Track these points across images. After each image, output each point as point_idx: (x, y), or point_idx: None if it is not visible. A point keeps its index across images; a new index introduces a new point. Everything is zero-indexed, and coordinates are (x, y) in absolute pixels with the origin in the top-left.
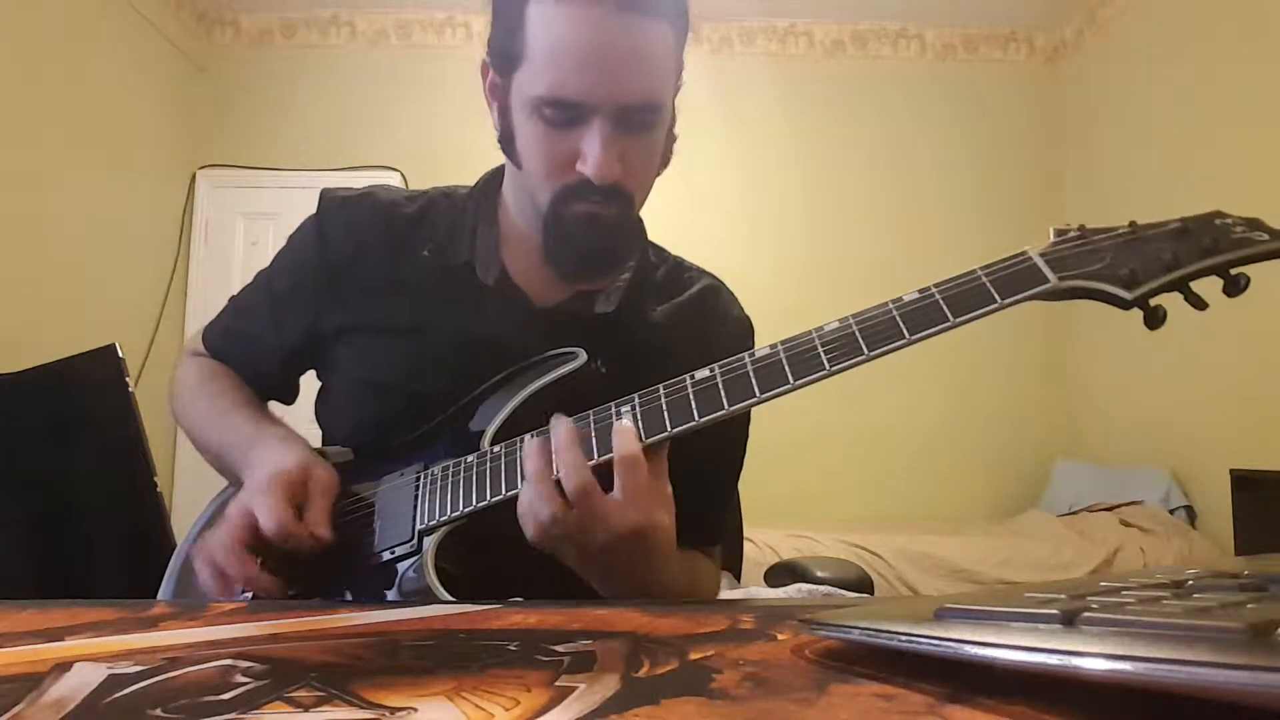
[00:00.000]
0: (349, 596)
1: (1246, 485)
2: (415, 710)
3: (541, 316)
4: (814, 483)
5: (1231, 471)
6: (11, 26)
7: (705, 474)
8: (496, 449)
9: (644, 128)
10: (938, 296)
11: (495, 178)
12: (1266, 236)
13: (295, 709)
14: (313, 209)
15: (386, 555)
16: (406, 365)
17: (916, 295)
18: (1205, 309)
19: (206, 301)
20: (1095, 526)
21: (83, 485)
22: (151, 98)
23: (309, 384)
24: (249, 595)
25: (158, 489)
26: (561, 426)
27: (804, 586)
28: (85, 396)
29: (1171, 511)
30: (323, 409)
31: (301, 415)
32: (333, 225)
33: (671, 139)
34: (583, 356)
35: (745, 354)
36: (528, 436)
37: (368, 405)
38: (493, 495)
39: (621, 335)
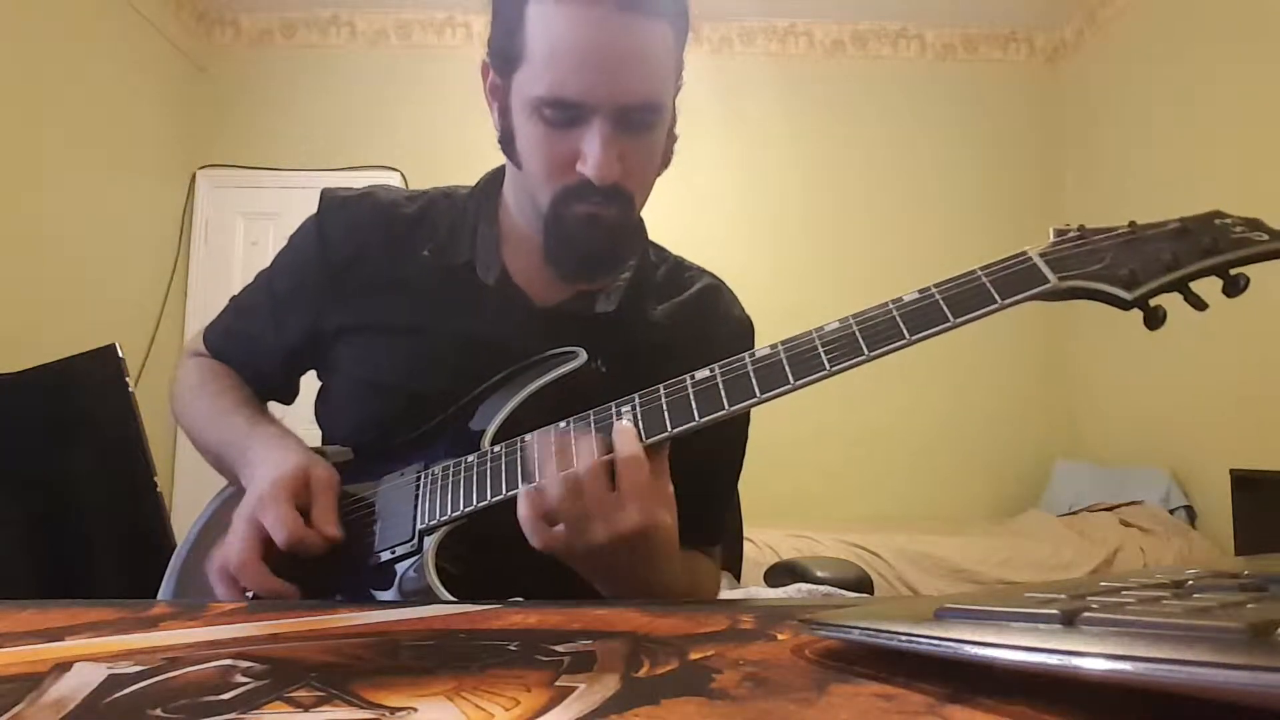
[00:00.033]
0: (350, 596)
1: (1246, 485)
2: (415, 710)
3: (542, 316)
4: (814, 483)
5: (1231, 471)
6: (11, 26)
7: (705, 474)
8: (497, 449)
9: (644, 128)
10: (938, 297)
11: (496, 178)
12: (1266, 236)
13: (295, 709)
14: (313, 209)
15: (387, 555)
16: (407, 365)
17: (916, 295)
18: (1205, 309)
19: (206, 301)
20: (1095, 526)
21: (83, 485)
22: (151, 98)
23: (309, 384)
24: (250, 595)
25: (158, 489)
26: (583, 447)
27: (804, 586)
28: (85, 396)
29: (1171, 511)
30: (323, 409)
31: (302, 415)
32: (333, 225)
33: (672, 139)
34: (583, 356)
35: (745, 354)
36: (540, 433)
37: (368, 405)
38: (493, 495)
39: (622, 335)
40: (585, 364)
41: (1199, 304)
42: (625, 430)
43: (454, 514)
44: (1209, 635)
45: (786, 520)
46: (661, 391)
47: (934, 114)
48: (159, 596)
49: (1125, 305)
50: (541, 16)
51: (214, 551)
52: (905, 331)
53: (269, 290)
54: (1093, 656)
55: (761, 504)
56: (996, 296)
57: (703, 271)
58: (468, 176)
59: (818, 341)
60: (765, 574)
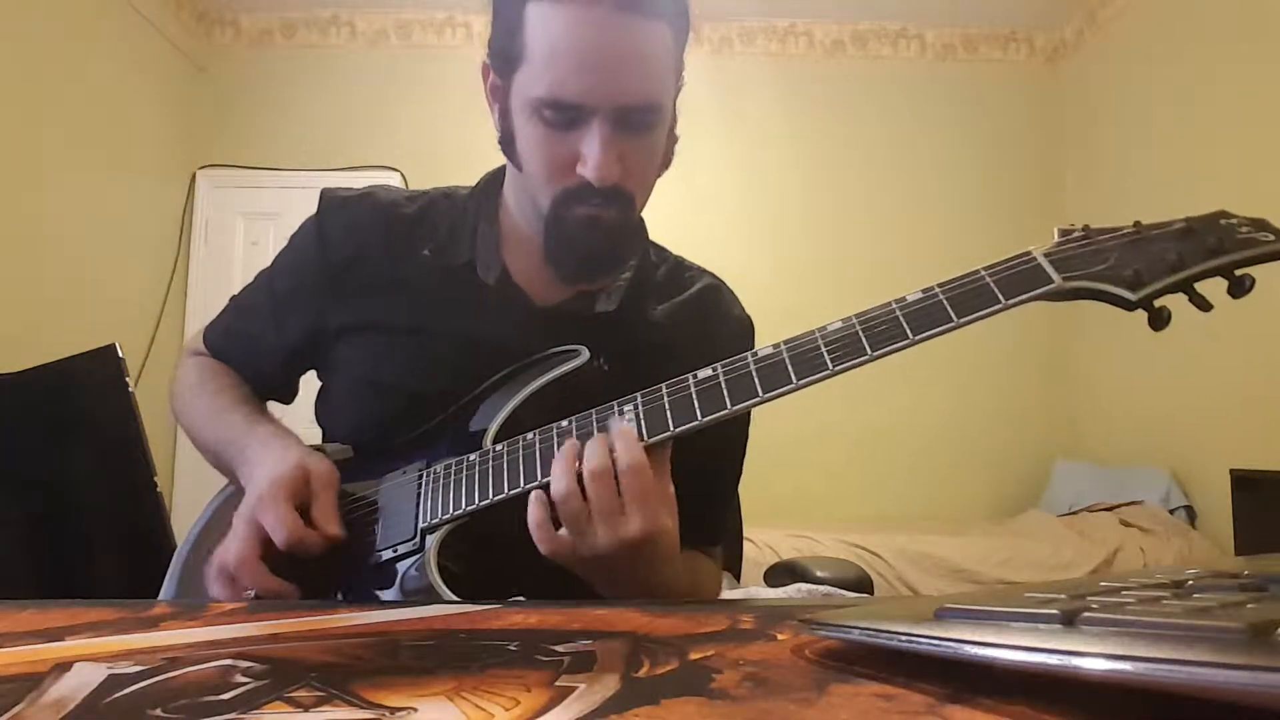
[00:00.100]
0: (350, 595)
1: (1246, 485)
2: (415, 710)
3: (542, 316)
4: (814, 483)
5: (1231, 471)
6: (11, 26)
7: (706, 474)
8: (499, 447)
9: (644, 129)
10: (941, 297)
11: (496, 178)
12: (1272, 237)
13: (295, 709)
14: (313, 209)
15: (389, 554)
16: (407, 365)
17: (920, 295)
18: (1210, 310)
19: (206, 301)
20: (1095, 526)
21: (83, 485)
22: (151, 98)
23: (309, 384)
24: (251, 594)
25: (158, 489)
26: (593, 453)
27: (804, 586)
28: (85, 396)
29: (1171, 511)
30: (323, 409)
31: (302, 415)
32: (333, 225)
33: (673, 139)
34: (584, 354)
35: (748, 354)
36: (544, 438)
37: (368, 405)
38: (495, 494)
39: (622, 334)
40: (587, 362)
41: (1204, 305)
42: (628, 436)
43: (456, 512)
44: (1209, 635)
45: (787, 520)
46: (664, 391)
47: (934, 114)
48: (160, 597)
49: (1130, 306)
50: (541, 17)
51: (214, 552)
52: (909, 331)
53: (269, 290)
54: (1093, 656)
55: (762, 504)
56: (1000, 297)
57: (703, 271)
58: (468, 176)
59: (820, 341)
60: (765, 574)
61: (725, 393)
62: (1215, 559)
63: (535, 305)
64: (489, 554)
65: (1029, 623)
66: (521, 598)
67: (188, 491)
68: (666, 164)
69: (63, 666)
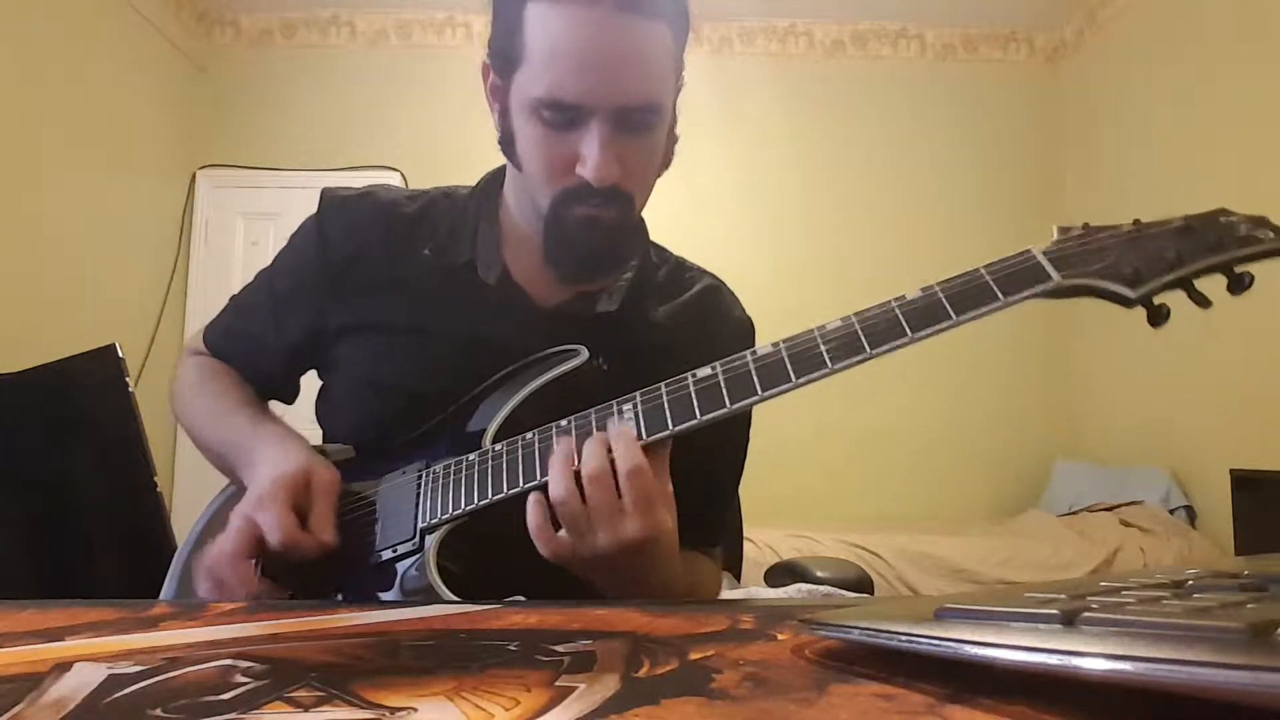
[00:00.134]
0: (350, 596)
1: (1246, 485)
2: (415, 710)
3: (543, 316)
4: (815, 483)
5: (1231, 471)
6: (11, 26)
7: (706, 473)
8: (498, 447)
9: (643, 129)
10: (940, 295)
11: (496, 178)
12: (1272, 235)
13: (295, 709)
14: (313, 209)
15: (388, 554)
16: (407, 365)
17: (919, 294)
18: (1209, 307)
19: (206, 301)
20: (1095, 526)
21: (83, 485)
22: (151, 98)
23: (310, 383)
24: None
25: (158, 489)
26: (591, 451)
27: (804, 586)
28: (85, 396)
29: (1171, 511)
30: (323, 408)
31: (302, 415)
32: (333, 225)
33: (673, 140)
34: (584, 354)
35: (747, 352)
36: (557, 430)
37: (369, 405)
38: (495, 493)
39: (623, 335)
40: (586, 362)
41: (1203, 302)
42: (627, 437)
43: (455, 512)
44: (1209, 635)
45: (787, 520)
46: (663, 390)
47: (934, 114)
48: (160, 597)
49: (1129, 303)
50: (540, 17)
51: (207, 545)
52: (908, 329)
53: (269, 289)
54: (1093, 656)
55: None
56: (999, 294)
57: (703, 272)
58: (468, 176)
59: (819, 340)
60: (765, 574)
61: (724, 392)
62: (1215, 559)
63: (536, 305)
64: (489, 554)
65: (1029, 623)
66: (521, 598)
67: (188, 491)
68: (666, 164)
69: (63, 666)
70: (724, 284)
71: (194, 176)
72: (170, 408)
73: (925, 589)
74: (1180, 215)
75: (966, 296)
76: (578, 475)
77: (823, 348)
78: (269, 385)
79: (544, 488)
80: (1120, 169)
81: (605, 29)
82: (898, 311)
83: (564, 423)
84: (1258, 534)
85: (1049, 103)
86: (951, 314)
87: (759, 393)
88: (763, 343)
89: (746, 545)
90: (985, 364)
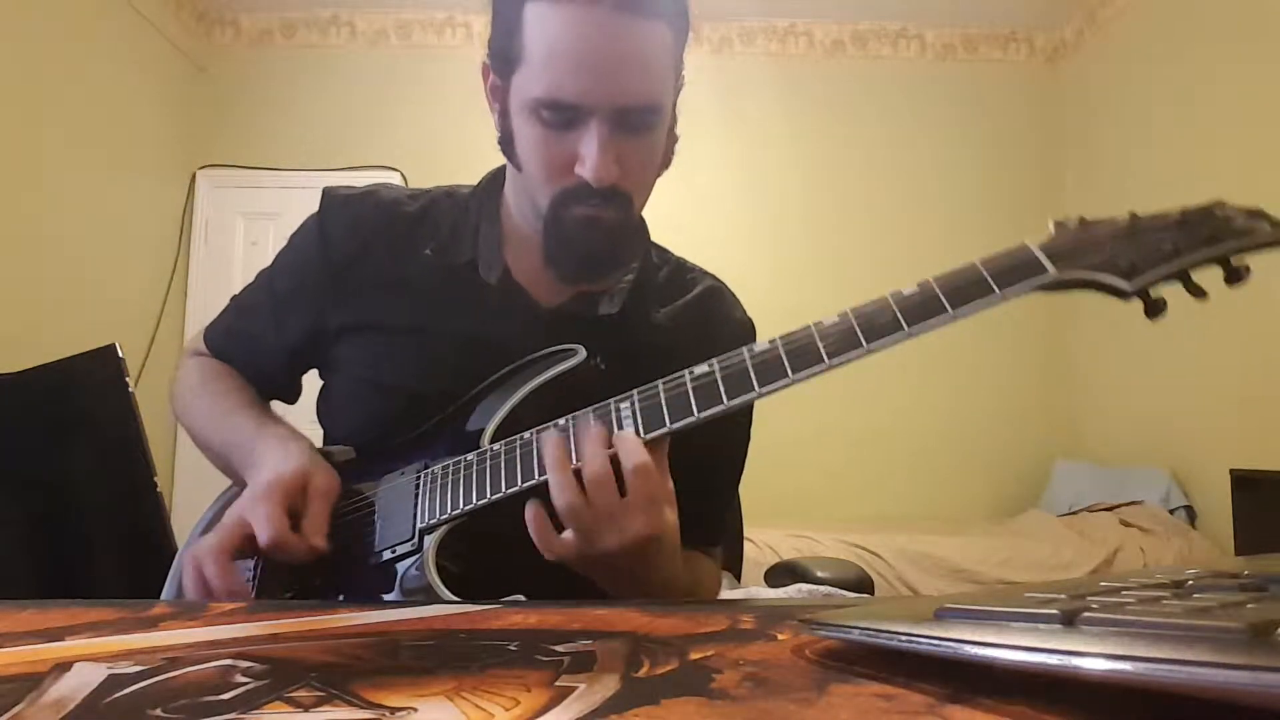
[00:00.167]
0: (350, 596)
1: (1246, 485)
2: (415, 710)
3: (545, 317)
4: (814, 483)
5: (1231, 471)
6: (11, 26)
7: (706, 472)
8: (496, 447)
9: (642, 129)
10: (936, 289)
11: (498, 178)
12: (1268, 226)
13: (295, 709)
14: (313, 209)
15: (387, 554)
16: (408, 365)
17: (915, 289)
18: (1205, 298)
19: (206, 301)
20: (1095, 526)
21: (83, 485)
22: (151, 98)
23: (311, 383)
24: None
25: (158, 489)
26: (586, 440)
27: (804, 586)
28: (85, 396)
29: (1171, 511)
30: (324, 408)
31: (303, 415)
32: (335, 224)
33: (673, 140)
34: (581, 353)
35: (744, 349)
36: (552, 429)
37: (369, 405)
38: (493, 493)
39: (624, 336)
40: (584, 361)
41: (1199, 293)
42: (631, 439)
43: (454, 512)
44: (1209, 635)
45: (787, 520)
46: (660, 387)
47: (934, 114)
48: (161, 598)
49: (1125, 295)
50: (539, 18)
51: (198, 540)
52: (904, 324)
53: (270, 289)
54: (1093, 656)
55: (762, 504)
56: (995, 288)
57: (704, 273)
58: (468, 176)
59: (816, 335)
60: (765, 574)
61: (722, 388)
62: (1215, 559)
63: (537, 306)
64: (488, 554)
65: (1029, 623)
66: (521, 597)
67: (188, 491)
68: (666, 164)
69: (63, 666)
70: (725, 285)
71: (194, 176)
72: (171, 408)
73: (925, 589)
74: (1177, 208)
75: (963, 290)
76: (577, 474)
77: (819, 343)
78: (270, 385)
79: (543, 486)
80: (1120, 169)
81: (604, 29)
82: (894, 306)
83: (562, 421)
84: (1258, 534)
85: (1049, 103)
86: (948, 308)
87: (756, 389)
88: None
89: (746, 545)
90: (985, 364)
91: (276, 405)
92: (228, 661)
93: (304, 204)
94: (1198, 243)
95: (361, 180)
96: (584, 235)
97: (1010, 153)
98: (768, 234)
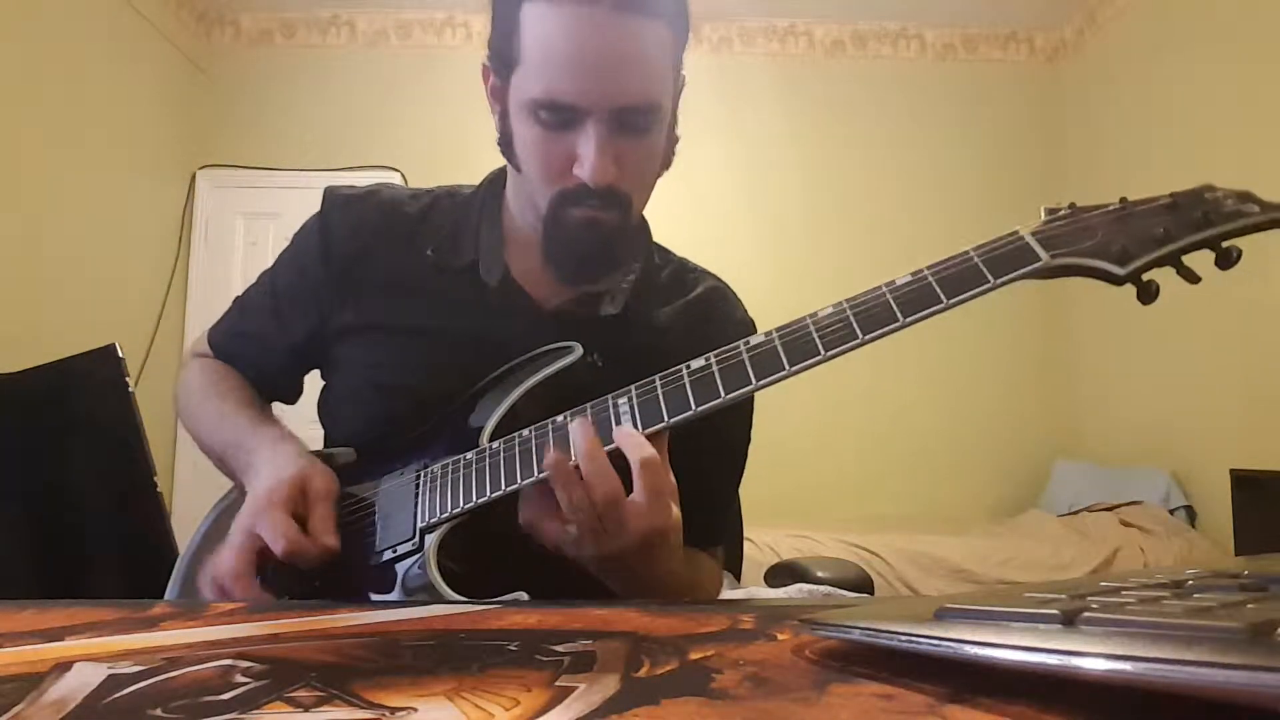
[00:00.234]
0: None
1: (1246, 485)
2: (415, 710)
3: (545, 317)
4: (814, 483)
5: (1231, 471)
6: (11, 26)
7: (707, 472)
8: (495, 445)
9: (641, 130)
10: (930, 278)
11: (499, 178)
12: (1258, 208)
13: (295, 709)
14: (313, 209)
15: (388, 554)
16: (409, 365)
17: (909, 278)
18: (1198, 282)
19: (206, 301)
20: (1095, 526)
21: (83, 485)
22: (151, 98)
23: (311, 383)
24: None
25: (158, 489)
26: (579, 433)
27: (804, 586)
28: (85, 396)
29: (1171, 511)
30: (325, 409)
31: (303, 415)
32: (336, 224)
33: (673, 140)
34: (578, 349)
35: (740, 342)
36: (556, 431)
37: (370, 405)
38: (493, 491)
39: (626, 337)
40: (581, 358)
41: (1192, 277)
42: (634, 436)
43: (454, 511)
44: (1209, 635)
45: (787, 520)
46: (658, 382)
47: (934, 114)
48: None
49: (1118, 280)
50: (537, 18)
51: (208, 559)
52: (899, 314)
53: (272, 289)
54: (1093, 656)
55: (762, 504)
56: (989, 276)
57: (706, 273)
58: (468, 176)
59: (812, 327)
60: (765, 574)
61: (719, 381)
62: (1215, 559)
63: (538, 307)
64: (489, 553)
65: (1029, 623)
66: (523, 593)
67: (188, 492)
68: (666, 164)
69: (63, 666)
70: (727, 286)
71: (194, 176)
72: (174, 410)
73: (925, 589)
74: (1167, 193)
75: (957, 279)
76: (578, 472)
77: (815, 334)
78: (272, 386)
79: (542, 483)
80: (1120, 169)
81: (602, 29)
82: (889, 296)
83: (560, 419)
84: (1258, 534)
85: (1049, 102)
86: (942, 297)
87: (753, 381)
88: None
89: (746, 545)
90: (985, 364)
91: (276, 406)
92: (228, 661)
93: (304, 204)
94: (1188, 226)
95: (362, 180)
96: (583, 236)
97: (1010, 153)
98: (768, 234)
